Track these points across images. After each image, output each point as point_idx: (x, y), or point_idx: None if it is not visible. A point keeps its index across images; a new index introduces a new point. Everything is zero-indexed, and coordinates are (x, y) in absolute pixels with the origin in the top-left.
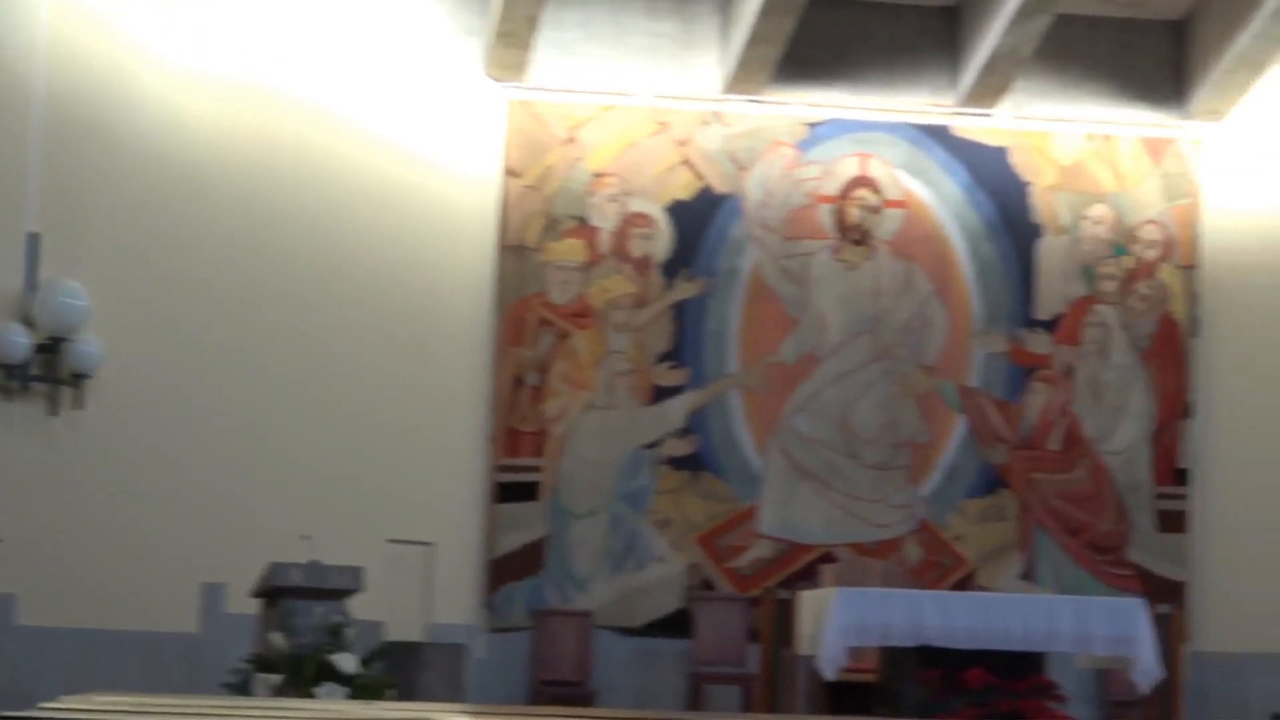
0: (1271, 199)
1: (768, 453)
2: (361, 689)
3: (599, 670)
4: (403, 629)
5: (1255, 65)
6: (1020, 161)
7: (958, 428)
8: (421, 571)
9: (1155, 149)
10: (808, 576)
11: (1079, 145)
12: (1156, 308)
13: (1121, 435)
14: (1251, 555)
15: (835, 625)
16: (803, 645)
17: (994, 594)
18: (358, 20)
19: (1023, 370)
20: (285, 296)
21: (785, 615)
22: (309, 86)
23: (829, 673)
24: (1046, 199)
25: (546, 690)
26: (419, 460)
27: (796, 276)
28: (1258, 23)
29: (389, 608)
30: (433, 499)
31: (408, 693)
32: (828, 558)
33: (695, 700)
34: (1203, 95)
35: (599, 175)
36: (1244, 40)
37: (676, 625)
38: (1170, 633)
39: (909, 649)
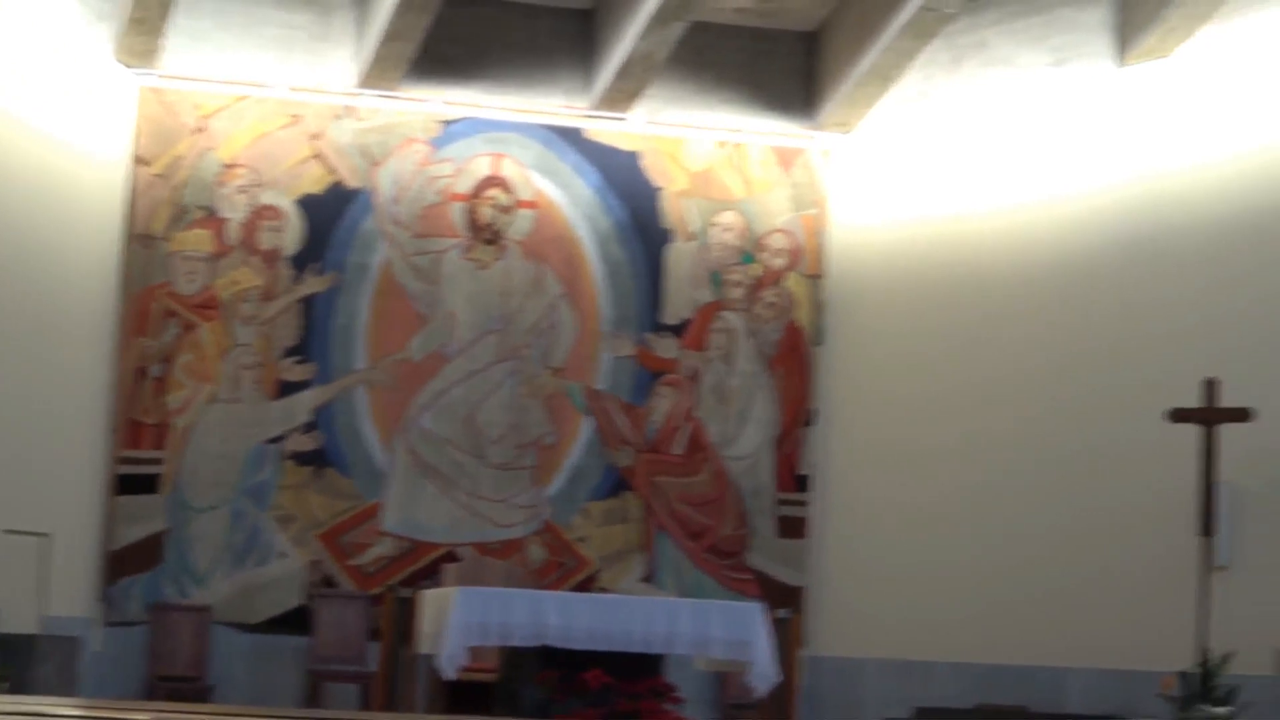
0: (895, 211)
1: (393, 450)
2: None
3: (216, 666)
4: (16, 621)
5: (883, 79)
6: (652, 166)
7: (584, 430)
8: (37, 563)
9: (785, 158)
10: (430, 575)
11: (710, 152)
12: (782, 315)
13: (745, 441)
14: (867, 561)
15: (456, 624)
16: (423, 644)
17: (615, 596)
18: None
19: (649, 374)
20: None
21: (406, 614)
22: None
23: (449, 672)
24: (677, 204)
25: (162, 685)
26: (37, 449)
27: (427, 274)
28: (886, 37)
29: (2, 599)
30: (50, 489)
31: (20, 686)
32: (450, 557)
33: (314, 697)
34: (832, 107)
35: (229, 166)
36: (873, 54)
37: (297, 622)
38: (788, 637)
39: (529, 649)
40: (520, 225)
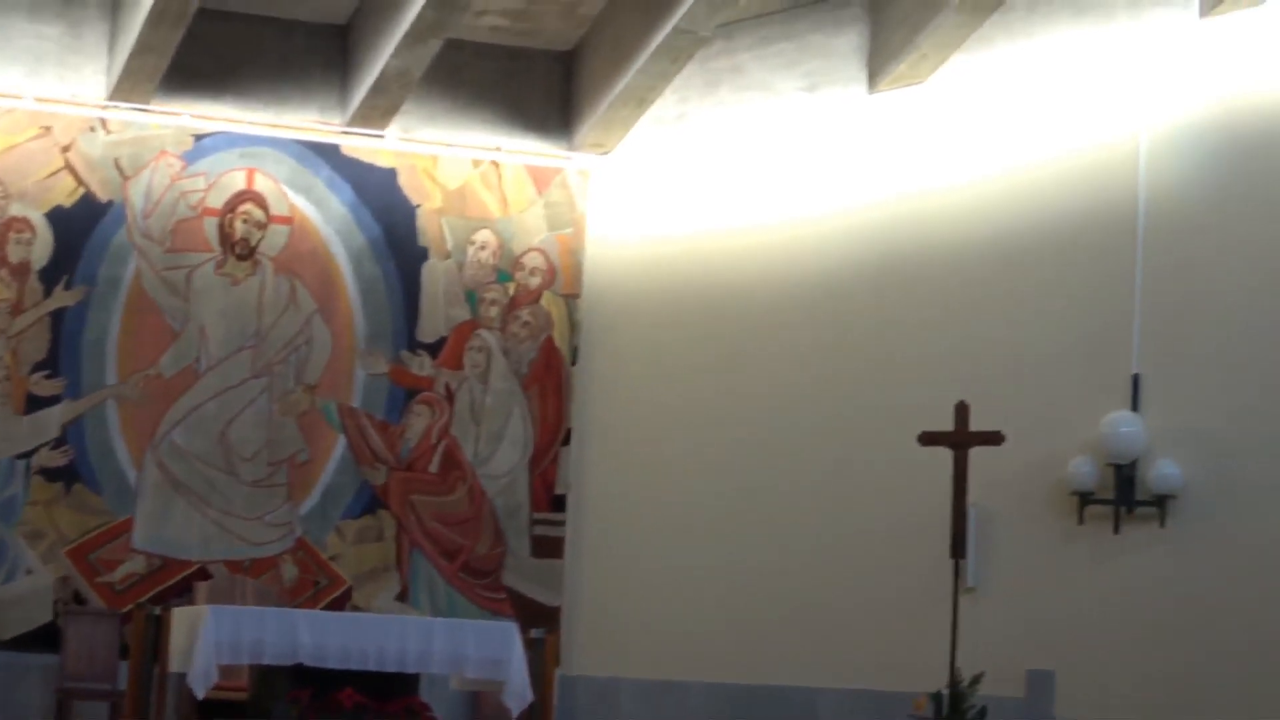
0: (652, 232)
1: (144, 466)
2: None
3: None
4: None
5: (639, 100)
6: (408, 184)
7: (338, 447)
8: None
9: (542, 178)
10: (182, 593)
11: (466, 171)
12: (538, 335)
13: (501, 460)
14: (624, 581)
15: (207, 642)
16: (174, 662)
17: (369, 614)
18: None
19: (404, 392)
20: None
21: (158, 632)
22: None
23: (200, 690)
24: (433, 222)
25: None
26: None
27: (179, 289)
28: (641, 59)
29: None
30: None
31: None
32: (202, 574)
33: (63, 716)
34: (588, 128)
35: None
36: (628, 76)
37: (45, 639)
38: (543, 656)
39: (282, 668)
40: (274, 241)
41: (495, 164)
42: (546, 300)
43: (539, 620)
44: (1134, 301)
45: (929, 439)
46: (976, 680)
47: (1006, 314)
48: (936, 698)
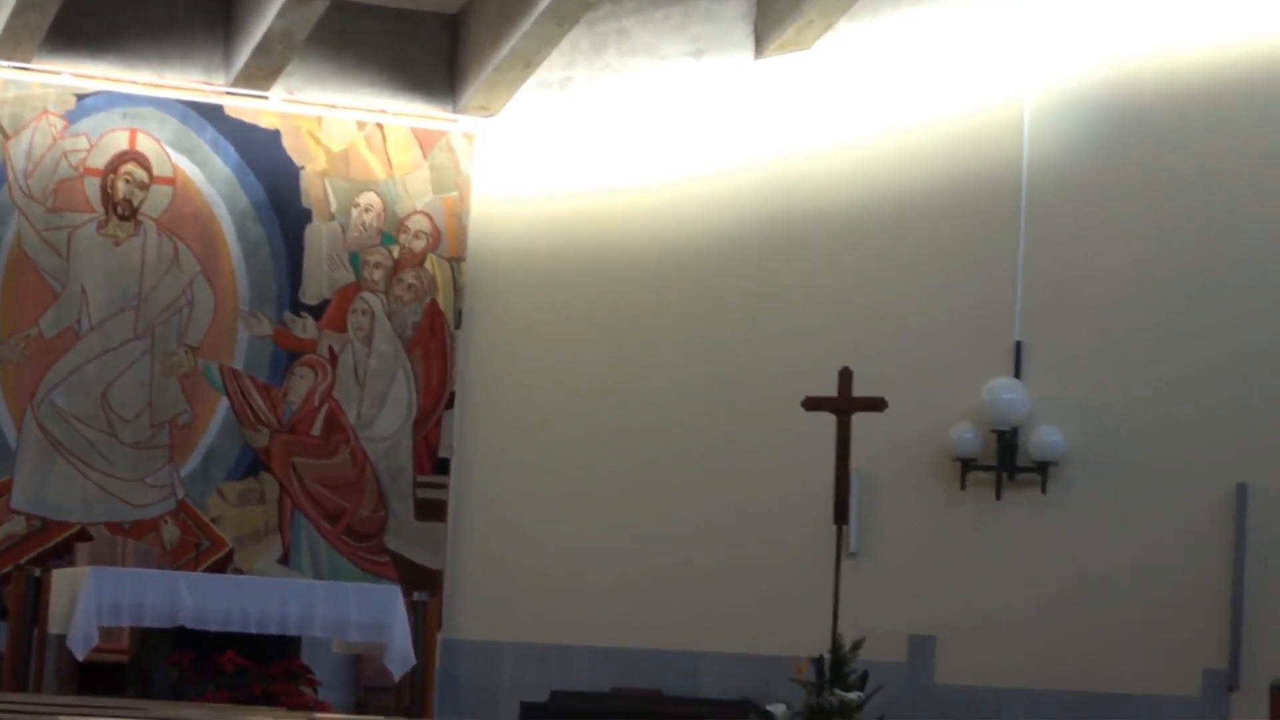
0: (538, 197)
1: (24, 427)
2: None
3: None
4: None
5: (525, 64)
6: (292, 145)
7: (220, 409)
8: None
9: (427, 140)
10: (62, 554)
11: (351, 133)
12: (422, 298)
13: (384, 423)
14: (507, 545)
15: (87, 604)
16: (54, 624)
17: (250, 577)
18: None
19: (287, 354)
20: None
21: (37, 593)
22: None
23: (80, 653)
24: (317, 184)
25: None
26: None
27: (60, 249)
28: (527, 22)
29: None
30: None
31: None
32: (83, 536)
33: None
34: (474, 90)
35: None
36: (514, 38)
37: None
38: (425, 620)
39: (163, 630)
40: (157, 201)
41: (380, 126)
42: (431, 263)
43: (421, 583)
44: (1017, 269)
45: (812, 404)
46: (858, 645)
47: (890, 280)
48: (818, 662)
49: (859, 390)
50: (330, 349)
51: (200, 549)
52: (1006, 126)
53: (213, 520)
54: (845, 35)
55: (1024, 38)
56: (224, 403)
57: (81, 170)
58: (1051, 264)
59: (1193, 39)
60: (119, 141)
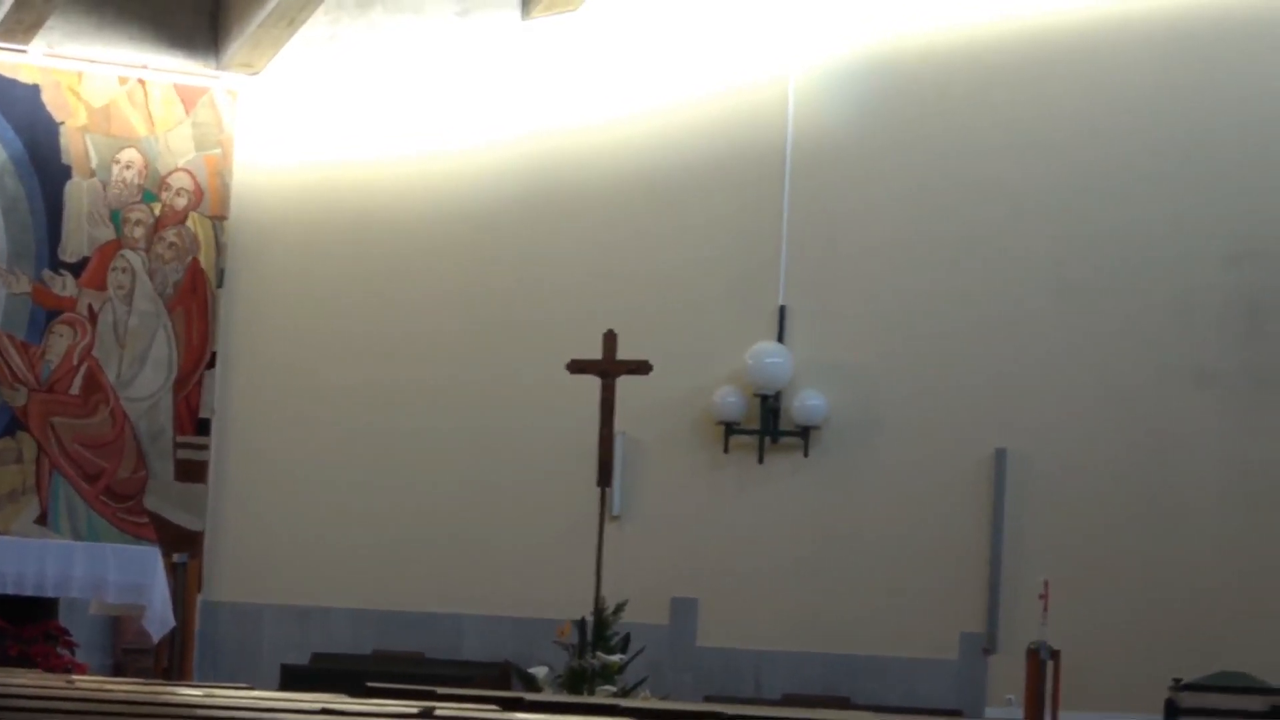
0: (303, 155)
1: None
2: None
3: None
4: None
5: (289, 21)
6: (52, 100)
7: None
8: None
9: (189, 97)
10: None
11: (113, 88)
12: (184, 256)
13: (144, 382)
14: (267, 507)
15: None
16: None
17: (7, 538)
18: None
19: (46, 312)
20: None
21: None
22: None
23: None
24: (78, 140)
25: None
26: None
27: None
28: None
29: None
30: None
31: None
32: None
33: None
34: (237, 47)
35: None
36: None
37: None
38: (185, 582)
39: None
40: None
41: (142, 82)
42: (193, 221)
43: (181, 545)
44: (781, 235)
45: (577, 367)
46: (620, 608)
47: (656, 246)
48: (580, 625)
49: (624, 354)
50: (90, 307)
51: None
52: (771, 96)
53: None
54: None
55: (790, 9)
56: None
57: None
58: (814, 231)
59: (953, 14)
60: None
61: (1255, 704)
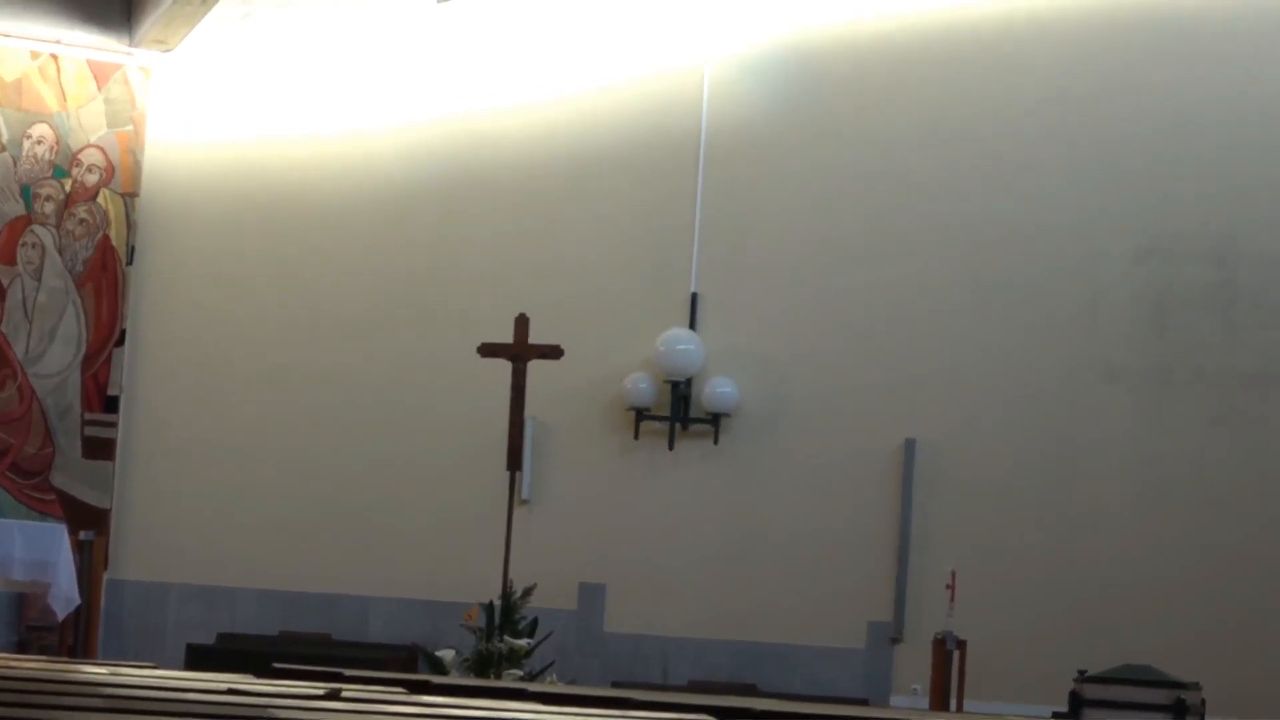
0: (216, 133)
1: None
2: None
3: None
4: None
5: None
6: None
7: None
8: None
9: (102, 73)
10: None
11: (25, 62)
12: (95, 233)
13: (52, 359)
14: (175, 486)
15: None
16: None
17: None
18: None
19: None
20: None
21: None
22: None
23: None
24: None
25: None
26: None
27: None
28: None
29: None
30: None
31: None
32: None
33: None
34: (151, 23)
35: None
36: None
37: None
38: (91, 560)
39: None
40: None
41: (54, 57)
42: (104, 198)
43: (88, 522)
44: (694, 223)
45: (489, 350)
46: (528, 592)
47: (570, 231)
48: (488, 608)
49: (536, 338)
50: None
51: None
52: (687, 84)
53: None
54: None
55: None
56: None
57: None
58: (728, 220)
59: (869, 5)
60: None
61: (1159, 696)
